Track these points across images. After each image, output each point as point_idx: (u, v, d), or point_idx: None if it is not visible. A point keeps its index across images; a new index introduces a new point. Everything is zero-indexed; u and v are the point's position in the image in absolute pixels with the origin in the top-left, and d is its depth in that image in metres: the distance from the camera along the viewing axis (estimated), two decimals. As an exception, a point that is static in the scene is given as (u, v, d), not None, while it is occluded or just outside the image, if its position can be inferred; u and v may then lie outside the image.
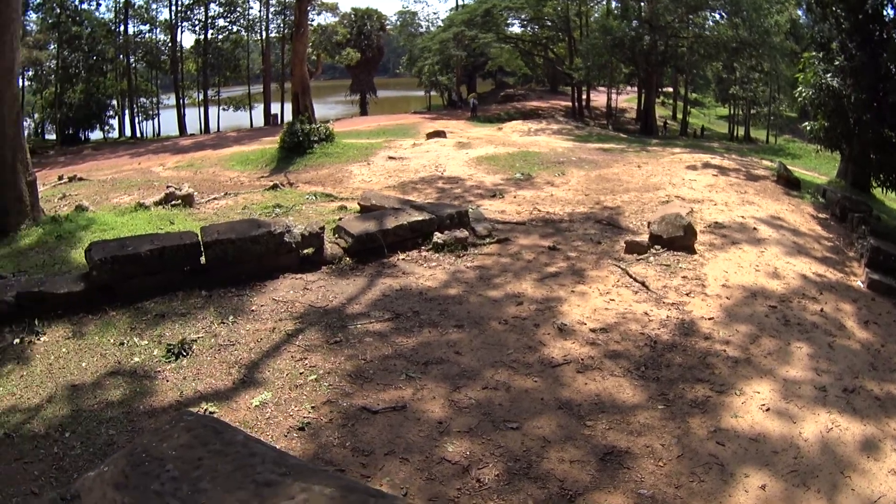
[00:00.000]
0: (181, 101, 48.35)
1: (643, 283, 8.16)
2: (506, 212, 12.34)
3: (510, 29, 52.41)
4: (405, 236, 9.18)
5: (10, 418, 5.13)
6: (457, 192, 15.11)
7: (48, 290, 7.05)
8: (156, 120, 50.23)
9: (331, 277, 8.14)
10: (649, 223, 10.18)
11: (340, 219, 9.97)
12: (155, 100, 50.41)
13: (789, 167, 17.10)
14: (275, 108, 48.96)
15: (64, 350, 6.29)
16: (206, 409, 5.14)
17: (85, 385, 5.64)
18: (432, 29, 60.58)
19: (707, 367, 6.16)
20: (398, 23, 67.35)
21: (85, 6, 45.62)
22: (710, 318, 7.27)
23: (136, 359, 6.09)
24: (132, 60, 48.16)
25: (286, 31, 48.26)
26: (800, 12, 40.11)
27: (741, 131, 47.28)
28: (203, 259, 7.88)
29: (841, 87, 15.11)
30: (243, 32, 51.36)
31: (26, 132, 30.47)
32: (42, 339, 6.51)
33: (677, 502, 4.32)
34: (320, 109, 33.46)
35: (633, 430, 5.05)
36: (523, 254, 9.35)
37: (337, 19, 53.67)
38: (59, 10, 43.04)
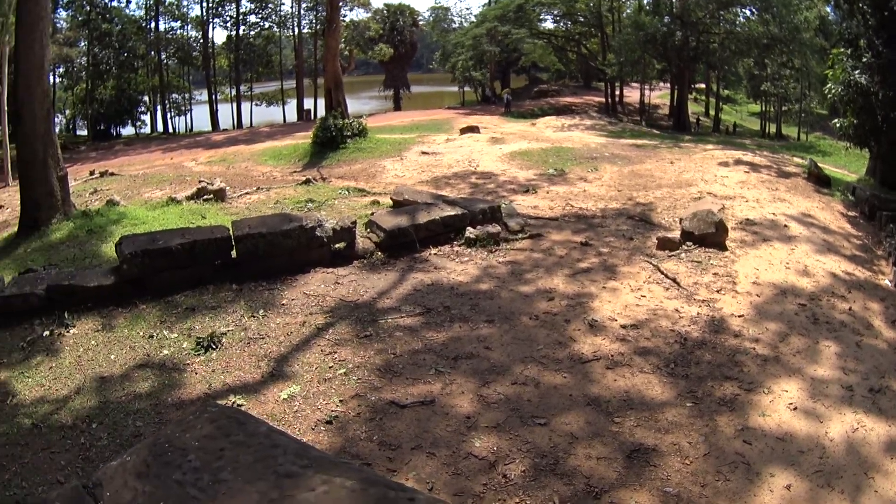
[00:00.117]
0: (213, 96, 48.91)
1: (674, 280, 8.17)
2: (538, 207, 12.37)
3: (543, 24, 52.24)
4: (437, 231, 9.26)
5: (38, 409, 5.26)
6: (489, 187, 15.17)
7: (78, 284, 7.20)
8: (188, 115, 50.85)
9: (362, 272, 8.25)
10: (681, 219, 10.17)
11: (373, 213, 10.08)
12: (187, 95, 50.91)
13: (819, 164, 16.86)
14: (308, 103, 49.17)
15: (93, 342, 6.42)
16: (234, 402, 5.22)
17: (113, 377, 5.75)
18: (465, 24, 60.61)
19: (736, 365, 6.16)
20: (431, 18, 67.60)
21: (115, 3, 46.48)
22: (740, 316, 7.25)
23: (166, 351, 6.20)
24: (164, 57, 48.76)
25: (318, 26, 48.50)
26: (828, 9, 39.19)
27: (772, 128, 46.41)
28: (234, 253, 7.99)
29: (869, 84, 14.78)
30: (275, 28, 51.77)
31: (57, 128, 31.03)
32: (71, 331, 6.64)
33: (702, 501, 4.34)
34: (353, 105, 33.63)
35: (661, 428, 5.08)
36: (555, 249, 9.37)
37: (369, 15, 53.72)
38: (88, 8, 43.61)
